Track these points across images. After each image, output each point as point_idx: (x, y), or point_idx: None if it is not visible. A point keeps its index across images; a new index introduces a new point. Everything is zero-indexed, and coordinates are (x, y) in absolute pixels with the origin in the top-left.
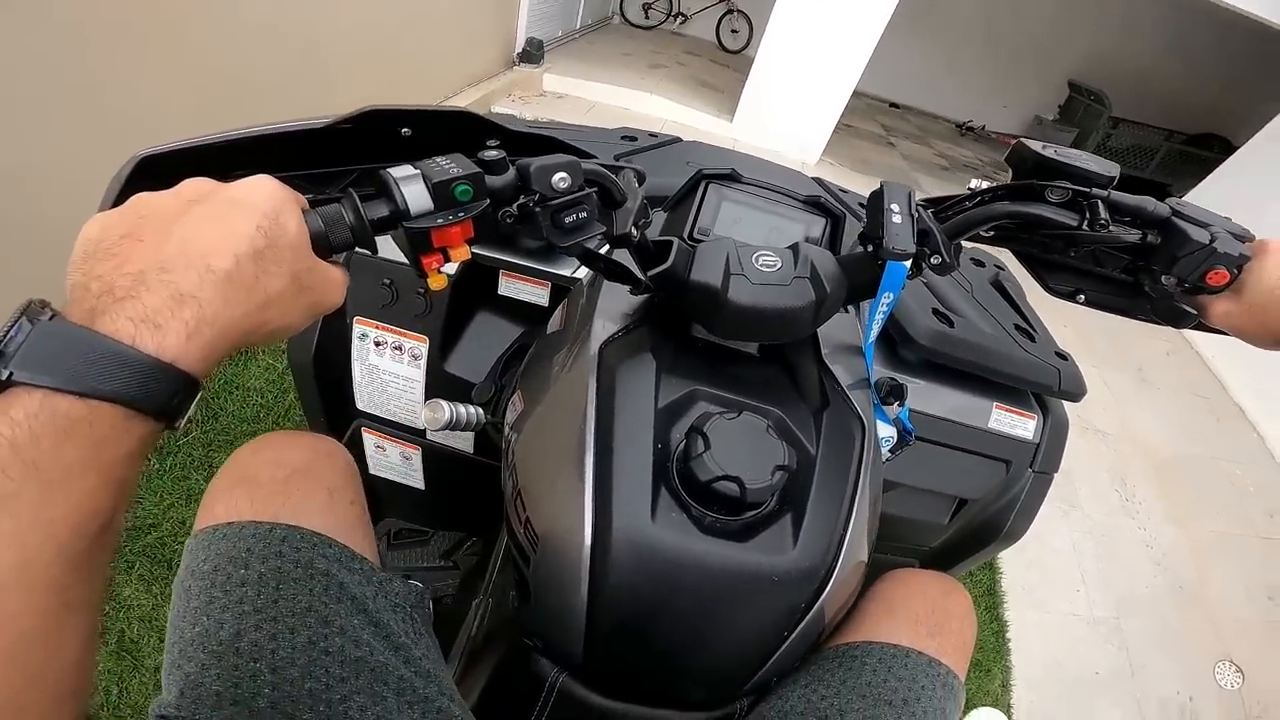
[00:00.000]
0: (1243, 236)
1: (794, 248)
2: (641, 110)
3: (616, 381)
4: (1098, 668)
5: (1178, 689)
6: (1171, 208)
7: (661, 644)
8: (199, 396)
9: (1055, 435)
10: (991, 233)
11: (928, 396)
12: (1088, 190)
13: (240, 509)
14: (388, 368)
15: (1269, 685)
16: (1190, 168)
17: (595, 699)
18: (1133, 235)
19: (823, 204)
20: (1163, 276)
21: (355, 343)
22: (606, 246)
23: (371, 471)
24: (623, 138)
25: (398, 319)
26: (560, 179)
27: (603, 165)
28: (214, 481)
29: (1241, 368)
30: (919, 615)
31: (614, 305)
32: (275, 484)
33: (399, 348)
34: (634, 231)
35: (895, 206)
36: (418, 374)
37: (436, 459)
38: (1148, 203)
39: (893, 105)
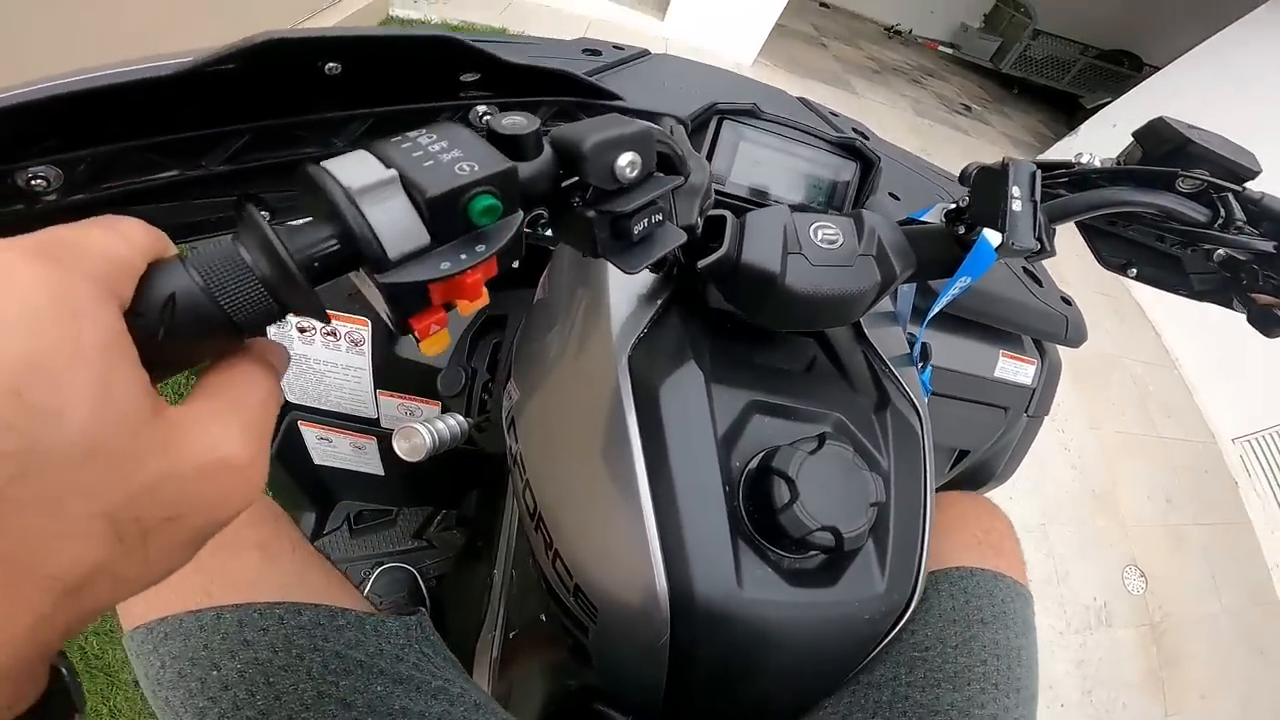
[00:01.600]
0: None
1: (857, 218)
2: (562, 6)
3: (660, 405)
4: (1033, 575)
5: (1095, 594)
6: None
7: (750, 699)
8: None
9: (1050, 379)
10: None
11: (938, 348)
12: (1229, 185)
13: (161, 601)
14: (321, 356)
15: (1168, 590)
16: (1104, 82)
17: None
18: (1265, 244)
19: (856, 147)
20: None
21: (271, 330)
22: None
23: (317, 462)
24: (584, 51)
25: (325, 299)
26: (628, 163)
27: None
28: None
29: None
30: (977, 537)
31: (624, 285)
32: None
33: (332, 333)
34: (699, 221)
35: (1018, 191)
36: (362, 361)
37: None
38: None
39: (822, 4)
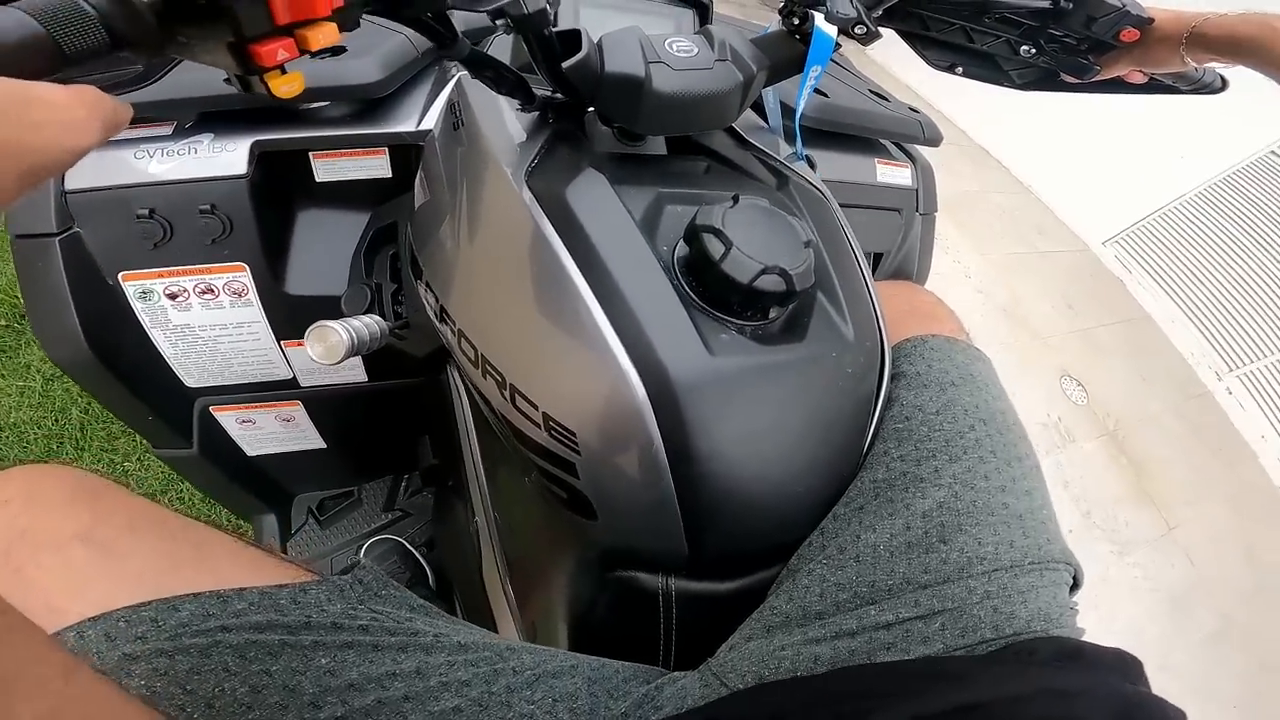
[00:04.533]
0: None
1: (704, 32)
2: None
3: (571, 206)
4: None
5: (1046, 411)
6: None
7: (769, 492)
8: None
9: (926, 178)
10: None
11: (821, 164)
12: None
13: None
14: (205, 321)
15: (1107, 394)
16: None
17: (724, 586)
18: (1042, 1)
19: None
20: (1069, 38)
21: (138, 307)
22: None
23: (251, 454)
24: None
25: (185, 255)
26: None
27: None
28: None
29: (978, 119)
30: (910, 310)
31: (503, 135)
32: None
33: (208, 290)
34: (550, 7)
35: None
36: (253, 313)
37: (327, 406)
38: None
39: None
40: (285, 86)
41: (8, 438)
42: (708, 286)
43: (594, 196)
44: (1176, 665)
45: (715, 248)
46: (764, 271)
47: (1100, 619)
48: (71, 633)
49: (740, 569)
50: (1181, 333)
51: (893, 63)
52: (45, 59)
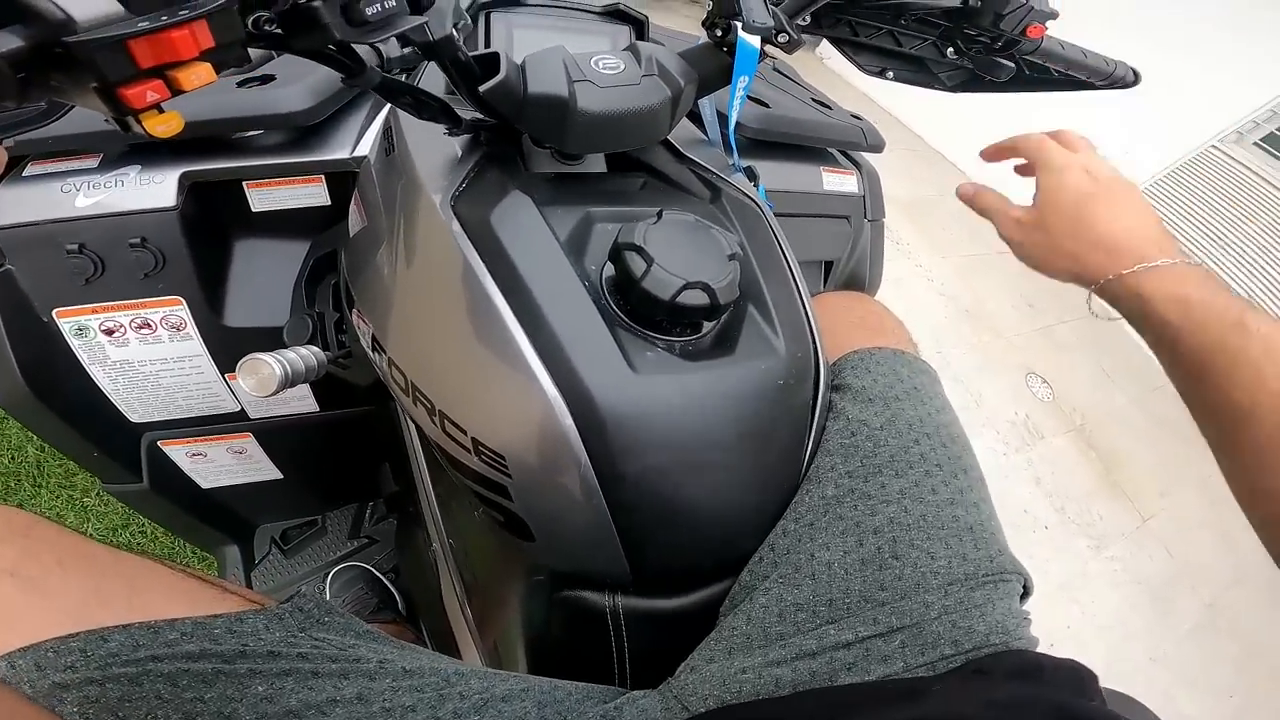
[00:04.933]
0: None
1: (632, 48)
2: None
3: (495, 232)
4: (952, 403)
5: (1014, 409)
6: None
7: (706, 507)
8: None
9: (873, 185)
10: (808, 15)
11: (765, 174)
12: None
13: None
14: (144, 356)
15: (1072, 390)
16: None
17: (672, 602)
18: (952, 0)
19: (621, 10)
20: (984, 38)
21: (74, 344)
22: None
23: (206, 486)
24: None
25: (118, 290)
26: None
27: None
28: None
29: (934, 122)
30: (858, 322)
31: (433, 160)
32: None
33: (145, 324)
34: (457, 34)
35: None
36: (193, 347)
37: (278, 437)
38: None
39: None
40: (161, 126)
41: None
42: (633, 305)
43: (519, 220)
44: (1166, 657)
45: (637, 265)
46: (686, 287)
47: (1083, 614)
48: (3, 663)
49: (686, 585)
50: None
51: (849, 71)
52: None
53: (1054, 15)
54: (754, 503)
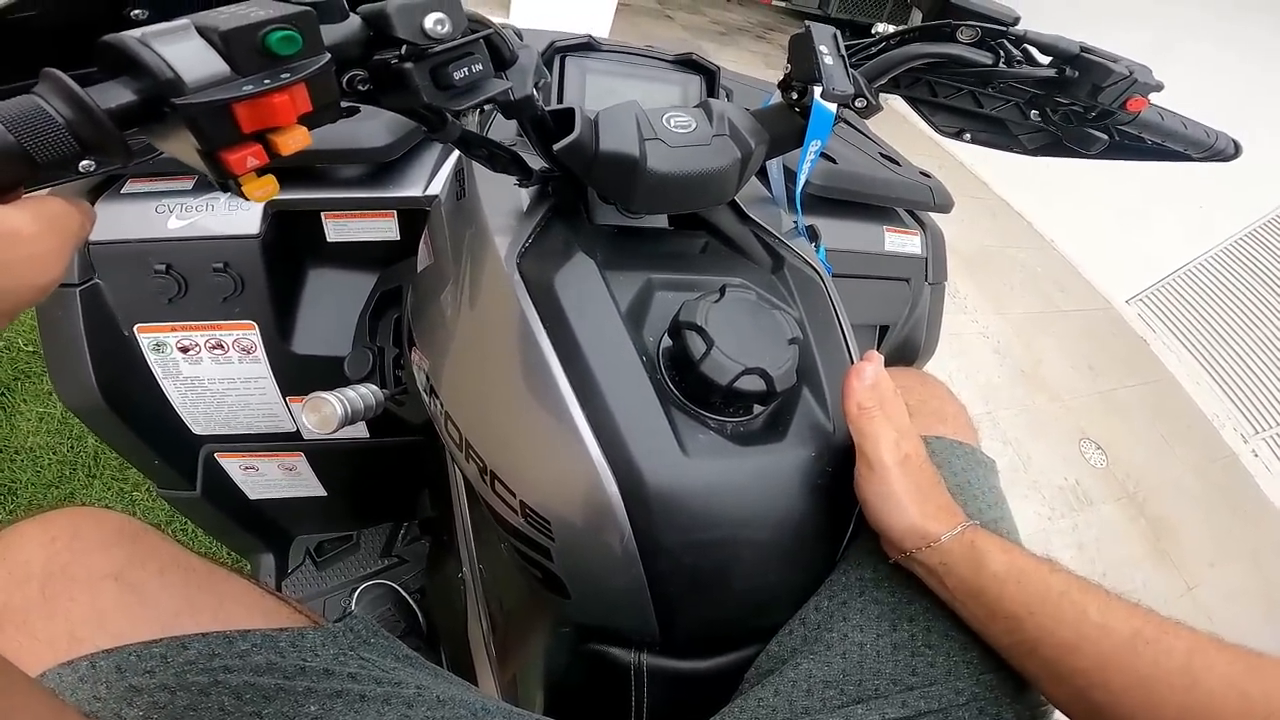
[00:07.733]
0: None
1: (705, 105)
2: None
3: (557, 296)
4: (999, 465)
5: (1064, 474)
6: (1080, 45)
7: (742, 582)
8: None
9: (936, 246)
10: (888, 79)
11: (826, 232)
12: (999, 29)
13: (27, 656)
14: (214, 375)
15: (1128, 458)
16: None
17: (696, 665)
18: (1047, 70)
19: (693, 60)
20: (1076, 107)
21: (151, 358)
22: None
23: (253, 498)
24: None
25: (198, 311)
26: (436, 21)
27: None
28: None
29: (999, 168)
30: (915, 406)
31: (502, 210)
32: (32, 603)
33: (218, 345)
34: (537, 93)
35: (825, 48)
36: (259, 370)
37: (328, 458)
38: (1061, 40)
39: None
40: (259, 191)
41: (23, 461)
42: (689, 384)
43: (582, 286)
44: None
45: (697, 346)
46: (745, 373)
47: None
48: (85, 661)
49: (712, 649)
50: (1206, 395)
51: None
52: (17, 169)
53: (1158, 88)
54: (790, 577)
